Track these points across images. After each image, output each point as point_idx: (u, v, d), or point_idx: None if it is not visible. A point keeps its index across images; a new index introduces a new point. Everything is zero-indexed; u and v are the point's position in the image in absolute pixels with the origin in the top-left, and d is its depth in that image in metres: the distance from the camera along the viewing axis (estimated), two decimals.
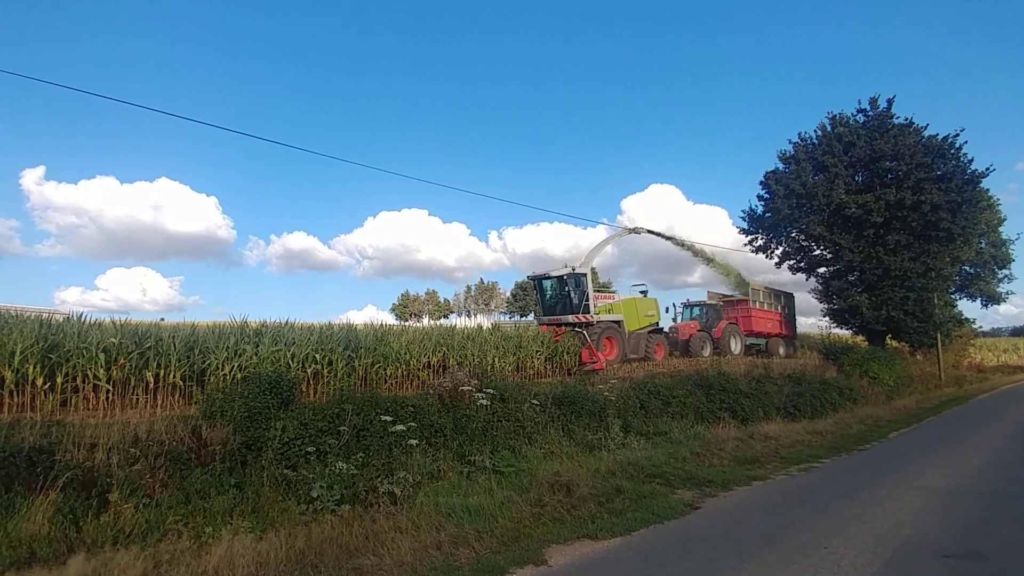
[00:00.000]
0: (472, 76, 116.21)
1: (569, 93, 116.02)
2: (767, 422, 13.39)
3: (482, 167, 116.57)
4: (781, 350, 26.19)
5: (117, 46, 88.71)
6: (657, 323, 21.39)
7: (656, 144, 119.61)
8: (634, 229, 24.27)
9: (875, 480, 8.91)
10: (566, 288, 18.80)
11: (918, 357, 29.42)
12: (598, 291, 20.81)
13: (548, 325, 18.32)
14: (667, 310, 32.53)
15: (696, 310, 26.14)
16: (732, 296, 27.01)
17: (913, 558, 5.47)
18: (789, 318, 28.34)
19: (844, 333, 29.64)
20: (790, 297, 29.06)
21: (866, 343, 26.53)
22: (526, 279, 20.56)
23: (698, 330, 23.15)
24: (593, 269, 21.77)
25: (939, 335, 27.98)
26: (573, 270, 18.69)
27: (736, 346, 23.68)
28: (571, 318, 18.08)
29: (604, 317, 18.74)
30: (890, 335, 27.10)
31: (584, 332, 17.36)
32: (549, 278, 19.40)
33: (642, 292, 22.06)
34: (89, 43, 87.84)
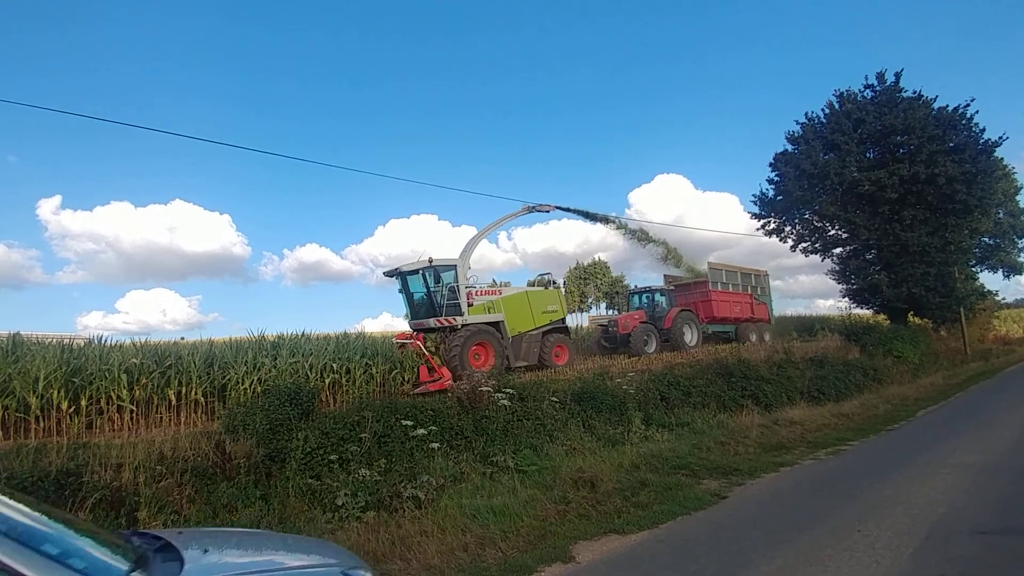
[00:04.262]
0: (470, 72, 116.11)
1: (571, 84, 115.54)
2: (791, 407, 13.20)
3: (487, 168, 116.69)
4: (753, 336, 23.35)
5: (117, 67, 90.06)
6: (562, 319, 17.32)
7: (661, 133, 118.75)
8: (536, 207, 19.44)
9: (905, 460, 8.74)
10: (428, 285, 14.95)
11: (942, 333, 28.88)
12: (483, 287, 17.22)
13: (417, 332, 14.91)
14: (611, 300, 30.40)
15: (644, 297, 22.50)
16: (687, 279, 24.14)
17: (949, 536, 5.35)
18: (763, 300, 25.76)
19: (865, 313, 29.15)
20: (763, 277, 26.67)
21: (888, 322, 26.07)
22: (382, 275, 16.40)
23: (642, 321, 19.93)
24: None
25: (962, 309, 27.44)
26: (431, 262, 14.66)
27: (691, 337, 20.44)
28: (432, 322, 14.55)
29: (476, 318, 14.91)
30: (912, 312, 26.53)
31: (419, 343, 13.76)
32: (407, 273, 15.27)
33: (544, 284, 18.04)
34: (87, 66, 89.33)
